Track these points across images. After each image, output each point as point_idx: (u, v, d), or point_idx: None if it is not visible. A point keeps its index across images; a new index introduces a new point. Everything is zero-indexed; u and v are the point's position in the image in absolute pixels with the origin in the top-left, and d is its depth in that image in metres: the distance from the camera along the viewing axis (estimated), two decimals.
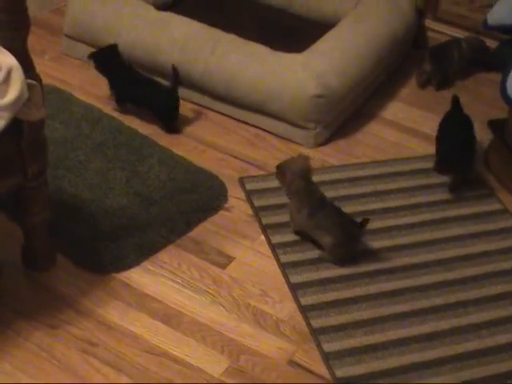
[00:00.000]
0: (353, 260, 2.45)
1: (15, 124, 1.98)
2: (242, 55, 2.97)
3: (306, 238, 2.51)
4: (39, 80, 2.04)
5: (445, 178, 2.80)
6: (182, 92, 3.10)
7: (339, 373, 2.13)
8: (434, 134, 2.83)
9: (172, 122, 2.97)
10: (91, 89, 3.12)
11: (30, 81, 1.97)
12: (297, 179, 2.43)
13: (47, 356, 2.13)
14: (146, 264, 2.41)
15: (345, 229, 2.41)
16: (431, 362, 2.18)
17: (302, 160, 2.47)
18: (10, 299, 2.26)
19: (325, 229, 2.42)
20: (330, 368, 2.15)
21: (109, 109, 3.02)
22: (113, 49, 2.99)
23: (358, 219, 2.43)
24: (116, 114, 2.99)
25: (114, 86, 3.01)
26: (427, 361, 2.19)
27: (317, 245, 2.48)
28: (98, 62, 2.98)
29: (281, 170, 2.48)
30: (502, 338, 2.27)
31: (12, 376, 2.07)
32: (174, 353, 2.17)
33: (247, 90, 2.94)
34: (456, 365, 2.18)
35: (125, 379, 2.09)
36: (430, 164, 2.85)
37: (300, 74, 2.89)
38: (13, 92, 1.91)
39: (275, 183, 2.71)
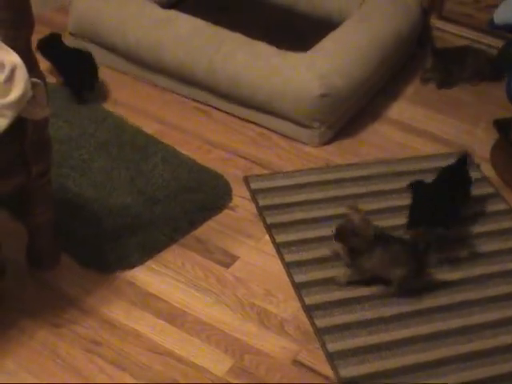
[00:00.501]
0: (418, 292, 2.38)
1: (19, 123, 1.98)
2: (247, 54, 2.96)
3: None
4: (43, 78, 2.04)
5: None
6: (186, 90, 3.10)
7: (343, 372, 2.13)
8: (439, 133, 2.82)
9: (83, 90, 3.02)
10: None
11: (34, 79, 1.96)
12: (366, 241, 2.29)
13: (51, 355, 2.13)
14: (150, 263, 2.41)
15: (413, 258, 2.33)
16: (435, 363, 2.18)
17: (365, 220, 2.30)
18: (14, 298, 2.26)
19: (393, 263, 2.31)
20: (334, 368, 2.15)
21: (113, 107, 3.01)
22: (54, 37, 3.08)
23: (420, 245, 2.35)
24: (120, 113, 2.99)
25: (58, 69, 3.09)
26: (431, 361, 2.19)
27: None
28: (40, 49, 3.03)
29: (343, 237, 2.30)
30: (505, 339, 2.27)
31: (16, 375, 2.07)
32: (178, 352, 2.17)
33: (252, 89, 2.94)
34: (460, 365, 2.18)
35: (128, 378, 2.09)
36: (434, 164, 2.83)
37: (305, 74, 2.88)
38: (16, 90, 1.90)
39: (280, 182, 2.72)
